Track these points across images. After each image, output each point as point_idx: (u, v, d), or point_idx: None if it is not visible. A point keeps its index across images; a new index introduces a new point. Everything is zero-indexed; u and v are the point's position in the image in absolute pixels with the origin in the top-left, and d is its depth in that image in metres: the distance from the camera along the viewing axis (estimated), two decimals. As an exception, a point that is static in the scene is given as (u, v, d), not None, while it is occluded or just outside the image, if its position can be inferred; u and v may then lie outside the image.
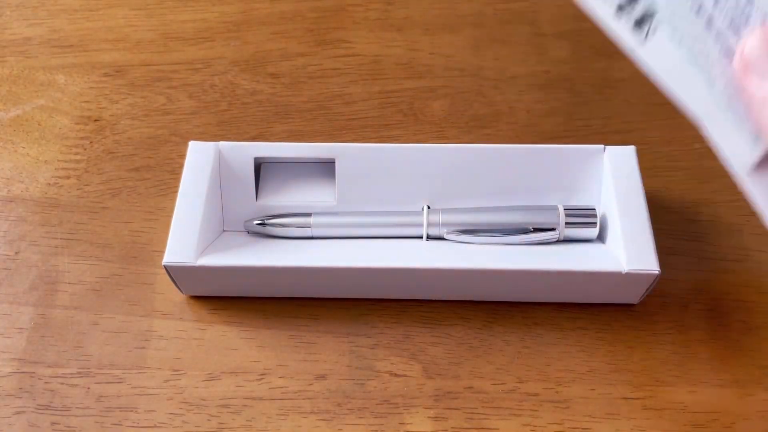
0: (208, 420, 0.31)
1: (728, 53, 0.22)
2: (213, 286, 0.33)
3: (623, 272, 0.31)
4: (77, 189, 0.38)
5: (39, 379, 0.32)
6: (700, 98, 0.23)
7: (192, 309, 0.34)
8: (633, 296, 0.33)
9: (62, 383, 0.32)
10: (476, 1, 0.45)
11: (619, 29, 0.24)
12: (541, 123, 0.40)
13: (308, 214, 0.34)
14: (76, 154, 0.39)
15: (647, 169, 0.37)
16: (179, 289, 0.34)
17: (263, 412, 0.31)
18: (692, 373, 0.32)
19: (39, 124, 0.40)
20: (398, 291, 0.34)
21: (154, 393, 0.31)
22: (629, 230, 0.32)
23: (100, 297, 0.34)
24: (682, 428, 0.30)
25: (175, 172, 0.38)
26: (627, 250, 0.31)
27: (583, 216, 0.33)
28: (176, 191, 0.33)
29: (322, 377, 0.32)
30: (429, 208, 0.34)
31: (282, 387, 0.32)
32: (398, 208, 0.34)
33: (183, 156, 0.35)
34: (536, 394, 0.31)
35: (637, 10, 0.23)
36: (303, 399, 0.31)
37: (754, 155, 0.23)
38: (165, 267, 0.32)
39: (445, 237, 0.33)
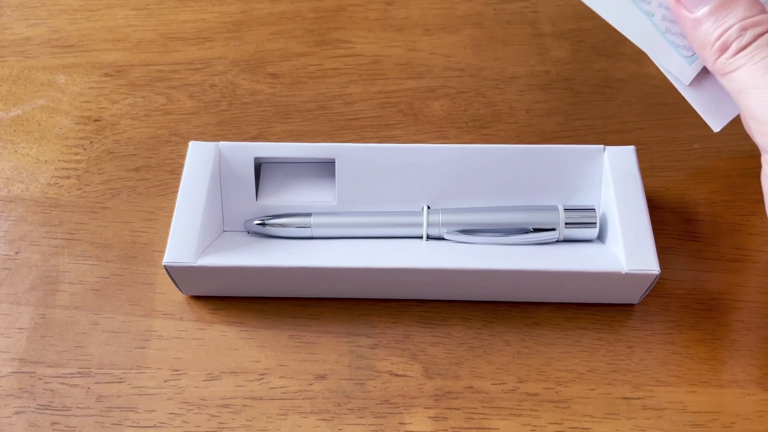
0: (208, 420, 0.31)
1: None
2: (213, 286, 0.33)
3: (623, 272, 0.31)
4: (77, 189, 0.38)
5: (39, 379, 0.32)
6: (641, 29, 0.29)
7: (192, 309, 0.34)
8: (633, 296, 0.33)
9: (62, 383, 0.32)
10: (476, 1, 0.45)
11: None
12: (541, 123, 0.40)
13: (308, 214, 0.34)
14: (76, 154, 0.39)
15: (647, 169, 0.37)
16: (179, 289, 0.34)
17: (263, 412, 0.31)
18: (692, 373, 0.32)
19: (39, 124, 0.40)
20: (398, 291, 0.34)
21: (154, 393, 0.32)
22: (629, 230, 0.32)
23: (100, 297, 0.34)
24: (682, 428, 0.30)
25: (175, 172, 0.38)
26: (627, 250, 0.31)
27: (583, 216, 0.33)
28: (176, 191, 0.33)
29: (322, 377, 0.32)
30: (429, 208, 0.34)
31: (282, 387, 0.32)
32: (398, 208, 0.34)
33: (183, 156, 0.35)
34: (536, 394, 0.31)
35: None
36: (303, 399, 0.31)
37: (692, 70, 0.29)
38: (165, 267, 0.32)
39: (445, 237, 0.33)
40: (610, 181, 0.33)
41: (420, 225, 0.33)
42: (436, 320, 0.33)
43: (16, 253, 0.36)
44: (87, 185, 0.38)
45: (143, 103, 0.41)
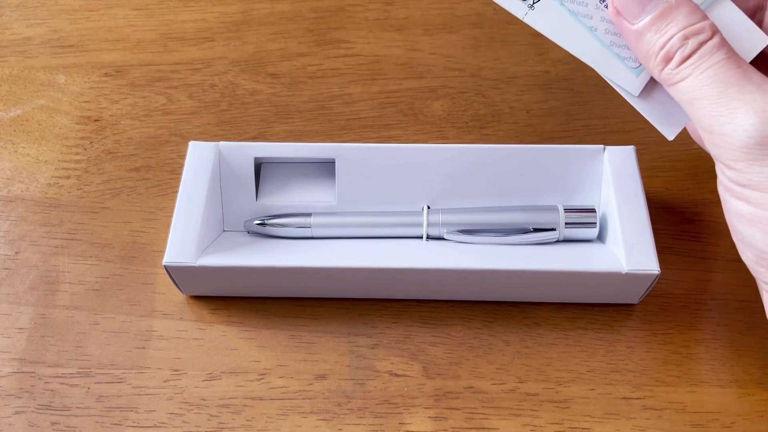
0: (208, 420, 0.31)
1: (604, 1, 0.29)
2: (213, 286, 0.33)
3: (623, 272, 0.31)
4: (77, 189, 0.38)
5: (39, 379, 0.32)
6: (586, 45, 0.29)
7: (192, 309, 0.34)
8: (633, 296, 0.33)
9: (62, 383, 0.32)
10: (476, 1, 0.45)
11: (506, 2, 0.30)
12: (541, 123, 0.40)
13: (308, 214, 0.34)
14: (77, 154, 0.39)
15: (647, 169, 0.37)
16: (179, 289, 0.34)
17: (263, 412, 0.31)
18: (692, 373, 0.32)
19: (39, 124, 0.40)
20: (398, 291, 0.34)
21: (154, 393, 0.32)
22: (629, 230, 0.32)
23: (100, 297, 0.34)
24: (682, 428, 0.30)
25: (175, 172, 0.38)
26: (627, 250, 0.31)
27: (583, 216, 0.33)
28: (176, 191, 0.33)
29: (322, 377, 0.32)
30: (429, 208, 0.34)
31: (282, 387, 0.32)
32: (398, 208, 0.34)
33: (183, 156, 0.35)
34: (536, 394, 0.31)
35: None
36: (303, 399, 0.31)
37: (640, 81, 0.29)
38: (165, 267, 0.32)
39: (445, 237, 0.33)
40: (610, 181, 0.33)
41: (420, 225, 0.33)
42: (436, 320, 0.33)
43: (16, 253, 0.36)
44: (87, 185, 0.38)
45: (143, 103, 0.41)
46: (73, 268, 0.35)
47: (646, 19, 0.27)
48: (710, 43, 0.26)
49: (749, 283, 0.34)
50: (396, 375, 0.32)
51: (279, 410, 0.31)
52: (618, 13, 0.28)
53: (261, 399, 0.31)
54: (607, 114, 0.40)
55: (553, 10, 0.29)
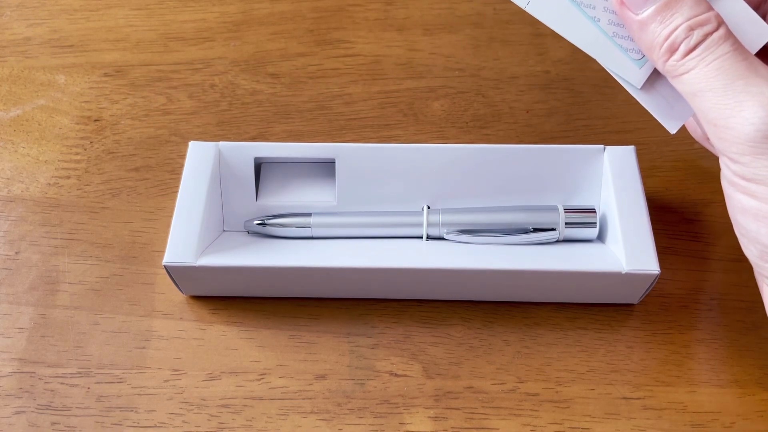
0: (208, 420, 0.31)
1: None
2: (213, 286, 0.33)
3: (623, 272, 0.31)
4: (77, 189, 0.38)
5: (39, 379, 0.32)
6: (588, 36, 0.29)
7: (192, 309, 0.34)
8: (633, 296, 0.33)
9: (62, 383, 0.32)
10: (476, 1, 0.45)
11: None
12: (541, 123, 0.40)
13: (308, 214, 0.34)
14: (77, 154, 0.39)
15: (647, 169, 0.37)
16: (179, 289, 0.34)
17: (263, 412, 0.31)
18: (692, 373, 0.32)
19: (39, 124, 0.40)
20: (398, 291, 0.34)
21: (154, 393, 0.32)
22: (629, 230, 0.32)
23: (100, 297, 0.34)
24: (681, 428, 0.30)
25: (175, 172, 0.38)
26: (627, 250, 0.31)
27: (583, 216, 0.33)
28: (176, 191, 0.33)
29: (322, 377, 0.32)
30: (429, 208, 0.34)
31: (282, 387, 0.32)
32: (398, 208, 0.34)
33: (183, 156, 0.35)
34: (536, 394, 0.31)
35: None
36: (303, 399, 0.31)
37: (643, 73, 0.29)
38: (165, 267, 0.32)
39: (445, 237, 0.33)
40: (610, 181, 0.33)
41: (420, 225, 0.33)
42: (436, 320, 0.33)
43: (16, 253, 0.36)
44: (87, 185, 0.38)
45: (143, 103, 0.41)
46: (73, 268, 0.35)
47: (650, 10, 0.26)
48: (716, 35, 0.26)
49: (749, 283, 0.34)
50: (396, 375, 0.32)
51: (279, 410, 0.31)
52: (621, 2, 0.27)
53: (261, 399, 0.31)
54: (607, 114, 0.40)
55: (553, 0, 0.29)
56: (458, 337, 0.33)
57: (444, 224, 0.33)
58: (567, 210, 0.33)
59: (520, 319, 0.33)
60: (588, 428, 0.30)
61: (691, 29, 0.26)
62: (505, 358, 0.32)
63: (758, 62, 0.26)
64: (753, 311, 0.33)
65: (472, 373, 0.32)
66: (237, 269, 0.32)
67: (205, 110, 0.41)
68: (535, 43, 0.43)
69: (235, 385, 0.32)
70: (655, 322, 0.33)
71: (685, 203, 0.37)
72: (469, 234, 0.33)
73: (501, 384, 0.32)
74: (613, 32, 0.29)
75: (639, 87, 0.29)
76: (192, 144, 0.35)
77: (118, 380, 0.32)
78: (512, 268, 0.31)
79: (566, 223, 0.33)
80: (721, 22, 0.26)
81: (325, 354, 0.33)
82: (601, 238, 0.34)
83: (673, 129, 0.30)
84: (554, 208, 0.33)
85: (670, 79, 0.27)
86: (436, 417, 0.31)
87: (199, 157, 0.34)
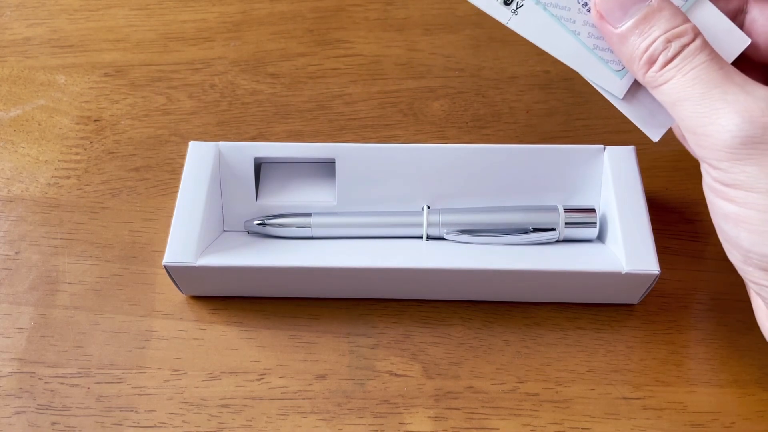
0: (208, 420, 0.31)
1: (587, 5, 0.29)
2: (213, 286, 0.33)
3: (623, 272, 0.31)
4: (77, 189, 0.38)
5: (39, 379, 0.32)
6: (569, 49, 0.29)
7: (192, 309, 0.34)
8: (633, 296, 0.33)
9: (62, 383, 0.32)
10: (476, 1, 0.45)
11: (489, 8, 0.29)
12: (541, 123, 0.40)
13: (308, 214, 0.34)
14: (76, 154, 0.39)
15: (647, 169, 0.37)
16: (179, 289, 0.34)
17: (263, 412, 0.31)
18: (692, 373, 0.32)
19: (39, 124, 0.40)
20: (398, 291, 0.34)
21: (154, 393, 0.32)
22: (629, 230, 0.32)
23: (100, 297, 0.34)
24: (681, 428, 0.30)
25: (175, 172, 0.38)
26: (627, 250, 0.31)
27: (582, 216, 0.33)
28: (176, 191, 0.33)
29: (322, 377, 0.32)
30: (429, 208, 0.34)
31: (282, 387, 0.32)
32: (398, 208, 0.34)
33: (183, 156, 0.35)
34: (536, 394, 0.31)
35: None
36: (303, 399, 0.31)
37: (624, 83, 0.30)
38: (165, 267, 0.32)
39: (445, 237, 0.33)
40: (610, 181, 0.33)
41: (420, 225, 0.33)
42: (436, 320, 0.33)
43: (16, 253, 0.36)
44: (87, 185, 0.38)
45: (143, 103, 0.41)
46: (73, 268, 0.35)
47: (629, 23, 0.27)
48: (692, 46, 0.26)
49: (749, 283, 0.34)
50: (396, 375, 0.32)
51: (279, 410, 0.31)
52: (601, 17, 0.28)
53: (261, 399, 0.31)
54: (607, 114, 0.40)
55: (536, 14, 0.29)
56: (458, 337, 0.33)
57: (444, 224, 0.33)
58: (567, 210, 0.33)
59: (520, 319, 0.33)
60: (588, 428, 0.30)
61: (669, 41, 0.26)
62: (505, 358, 0.32)
63: (734, 70, 0.26)
64: (753, 311, 0.33)
65: (472, 373, 0.32)
66: (237, 269, 0.32)
67: (205, 110, 0.41)
68: (535, 43, 0.43)
69: (235, 385, 0.32)
70: (655, 322, 0.33)
71: (685, 203, 0.37)
72: (469, 234, 0.33)
73: (501, 384, 0.32)
74: (594, 45, 0.29)
75: (621, 97, 0.30)
76: (192, 144, 0.35)
77: (118, 380, 0.32)
78: (512, 268, 0.31)
79: (566, 223, 0.33)
80: (697, 34, 0.27)
81: (325, 354, 0.33)
82: (601, 238, 0.34)
83: (655, 137, 0.31)
84: (554, 208, 0.33)
85: (650, 90, 0.28)
86: (436, 417, 0.31)
87: (199, 157, 0.34)
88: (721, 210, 0.27)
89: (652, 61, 0.27)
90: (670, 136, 0.39)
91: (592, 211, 0.33)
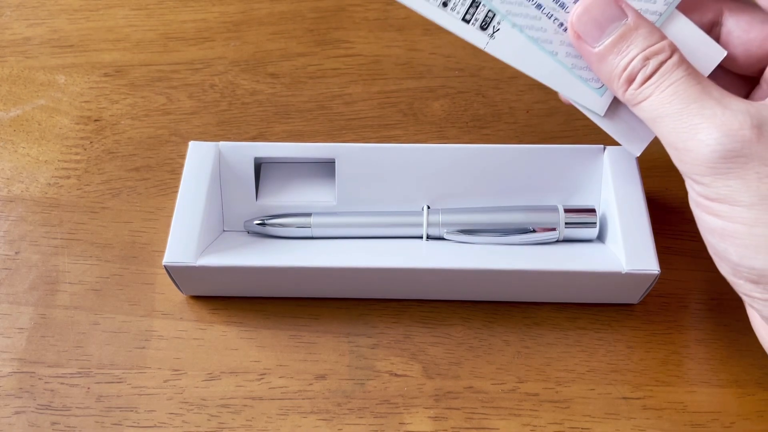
0: (208, 420, 0.31)
1: (563, 25, 0.29)
2: (213, 286, 0.33)
3: (623, 272, 0.31)
4: (77, 189, 0.38)
5: (39, 379, 0.32)
6: (548, 70, 0.29)
7: (192, 309, 0.34)
8: (633, 296, 0.33)
9: (62, 383, 0.32)
10: (476, 1, 0.45)
11: (466, 34, 0.30)
12: (541, 123, 0.40)
13: (308, 214, 0.34)
14: (76, 154, 0.39)
15: (647, 169, 0.37)
16: (179, 289, 0.34)
17: (263, 412, 0.31)
18: (692, 373, 0.32)
19: (39, 124, 0.40)
20: (398, 291, 0.34)
21: (154, 393, 0.32)
22: (629, 230, 0.32)
23: (100, 297, 0.34)
24: (681, 428, 0.30)
25: (175, 172, 0.38)
26: (627, 250, 0.31)
27: (582, 216, 0.33)
28: (176, 191, 0.33)
29: (322, 377, 0.32)
30: (429, 208, 0.34)
31: (282, 387, 0.32)
32: (398, 208, 0.34)
33: (183, 156, 0.35)
34: (536, 394, 0.31)
35: (480, 15, 0.29)
36: (303, 399, 0.31)
37: (604, 101, 0.30)
38: (165, 267, 0.32)
39: (445, 237, 0.33)
40: (610, 181, 0.33)
41: (420, 225, 0.33)
42: (436, 320, 0.33)
43: (16, 253, 0.36)
44: (87, 185, 0.38)
45: (143, 103, 0.41)
46: (73, 268, 0.35)
47: (607, 42, 0.27)
48: (670, 62, 0.26)
49: (749, 283, 0.34)
50: (396, 375, 0.32)
51: (279, 410, 0.31)
52: (578, 36, 0.28)
53: (261, 399, 0.31)
54: (607, 114, 0.40)
55: (513, 38, 0.29)
56: (458, 337, 0.33)
57: (444, 224, 0.33)
58: (567, 210, 0.33)
59: (520, 319, 0.33)
60: (588, 428, 0.30)
61: (647, 59, 0.27)
62: (505, 358, 0.32)
63: (711, 85, 0.26)
64: (753, 311, 0.33)
65: (472, 373, 0.32)
66: (237, 269, 0.32)
67: (205, 110, 0.41)
68: (535, 43, 0.43)
69: (235, 385, 0.32)
70: (655, 322, 0.33)
71: (685, 203, 0.37)
72: (469, 234, 0.33)
73: (501, 384, 0.32)
74: (572, 64, 0.29)
75: (602, 114, 0.30)
76: (192, 144, 0.35)
77: (118, 380, 0.32)
78: (512, 268, 0.31)
79: (566, 223, 0.33)
80: (674, 50, 0.27)
81: (325, 354, 0.33)
82: (601, 238, 0.34)
83: (636, 152, 0.31)
84: (554, 208, 0.33)
85: (630, 107, 0.28)
86: (436, 417, 0.31)
87: (199, 157, 0.34)
88: (707, 224, 0.27)
89: (631, 80, 0.27)
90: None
91: (592, 211, 0.33)
